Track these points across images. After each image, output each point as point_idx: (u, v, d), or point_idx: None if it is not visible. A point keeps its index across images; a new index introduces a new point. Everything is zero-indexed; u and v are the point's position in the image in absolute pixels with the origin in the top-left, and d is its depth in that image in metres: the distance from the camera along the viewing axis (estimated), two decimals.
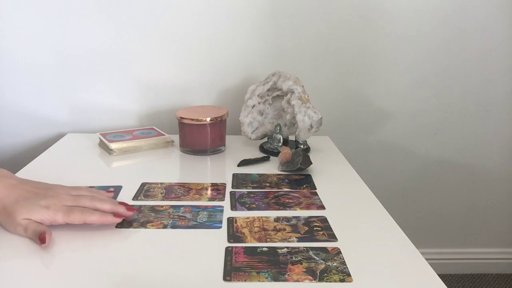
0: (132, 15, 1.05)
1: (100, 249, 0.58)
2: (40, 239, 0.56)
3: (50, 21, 1.04)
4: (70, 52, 1.06)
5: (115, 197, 0.73)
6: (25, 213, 0.58)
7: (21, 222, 0.57)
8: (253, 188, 0.78)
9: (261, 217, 0.67)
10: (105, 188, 0.75)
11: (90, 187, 0.76)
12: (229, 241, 0.60)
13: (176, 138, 0.99)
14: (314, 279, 0.52)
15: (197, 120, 0.90)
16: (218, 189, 0.77)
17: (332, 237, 0.61)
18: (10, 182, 0.61)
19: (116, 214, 0.61)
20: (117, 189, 0.75)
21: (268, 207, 0.70)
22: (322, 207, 0.71)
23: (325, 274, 0.53)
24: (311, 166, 0.85)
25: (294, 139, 0.99)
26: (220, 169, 0.88)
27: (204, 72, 1.10)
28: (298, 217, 0.67)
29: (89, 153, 0.95)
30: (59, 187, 0.64)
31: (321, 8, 1.07)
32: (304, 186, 0.79)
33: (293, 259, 0.56)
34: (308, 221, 0.66)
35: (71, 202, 0.61)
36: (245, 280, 0.51)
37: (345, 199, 0.74)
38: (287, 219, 0.66)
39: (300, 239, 0.61)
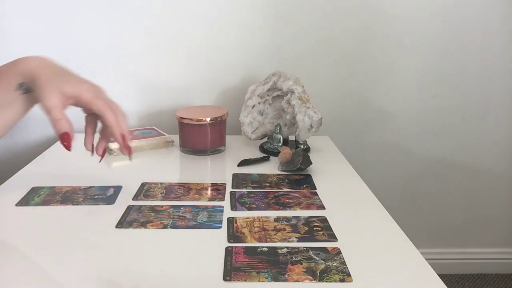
0: (132, 15, 1.05)
1: (100, 249, 0.58)
2: (63, 137, 0.55)
3: (50, 21, 1.04)
4: (70, 52, 1.06)
5: (114, 196, 0.73)
6: (62, 83, 0.57)
7: (56, 95, 0.56)
8: (253, 188, 0.78)
9: (261, 217, 0.67)
10: (105, 189, 0.75)
11: (90, 187, 0.76)
12: (229, 241, 0.60)
13: (176, 138, 0.99)
14: (314, 279, 0.52)
15: (197, 120, 0.90)
16: (218, 189, 0.77)
17: (332, 237, 0.61)
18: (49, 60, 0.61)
19: (124, 136, 0.60)
20: (117, 189, 0.75)
21: (268, 207, 0.70)
22: (322, 207, 0.71)
23: (325, 274, 0.53)
24: (311, 166, 0.85)
25: (294, 139, 0.99)
26: (220, 169, 0.88)
27: (204, 72, 1.10)
28: (298, 217, 0.67)
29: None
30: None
31: (321, 8, 1.07)
32: (304, 186, 0.79)
33: (293, 259, 0.56)
34: (308, 221, 0.66)
35: (102, 95, 0.61)
36: (245, 280, 0.51)
37: (345, 199, 0.74)
38: (287, 219, 0.66)
39: (300, 239, 0.61)
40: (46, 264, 0.54)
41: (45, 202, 0.70)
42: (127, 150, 0.62)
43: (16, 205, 0.69)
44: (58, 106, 0.56)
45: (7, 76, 0.58)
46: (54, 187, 0.76)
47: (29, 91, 0.59)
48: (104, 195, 0.73)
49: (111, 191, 0.74)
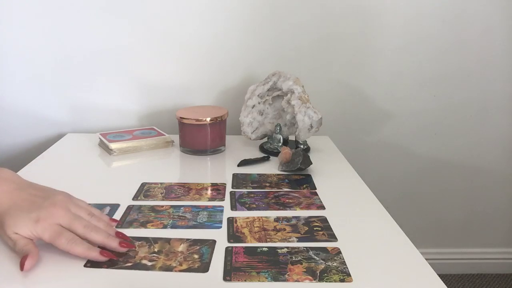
0: (132, 15, 1.04)
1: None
2: (20, 263, 0.51)
3: (50, 21, 1.04)
4: (70, 52, 1.06)
5: (111, 214, 0.67)
6: (13, 227, 0.53)
7: (10, 236, 0.53)
8: (253, 188, 0.78)
9: (261, 217, 0.67)
10: (101, 208, 0.68)
11: (91, 205, 0.67)
12: (229, 241, 0.60)
13: (176, 138, 0.99)
14: (314, 279, 0.52)
15: (197, 120, 0.90)
16: (218, 189, 0.77)
17: (332, 237, 0.61)
18: (8, 187, 0.57)
19: (102, 252, 0.54)
20: (114, 208, 0.69)
21: (268, 207, 0.70)
22: (322, 207, 0.71)
23: (325, 274, 0.53)
24: (311, 166, 0.85)
25: (294, 139, 0.99)
26: (220, 169, 0.88)
27: (204, 72, 1.10)
28: (298, 217, 0.67)
29: (89, 153, 0.95)
30: (60, 197, 0.57)
31: (321, 8, 1.07)
32: (304, 186, 0.79)
33: (293, 259, 0.56)
34: (308, 221, 0.66)
35: (64, 221, 0.55)
36: (245, 280, 0.51)
37: (345, 199, 0.74)
38: (287, 219, 0.66)
39: (300, 239, 0.61)
40: (46, 263, 0.54)
41: None
42: (123, 245, 0.56)
43: None
44: (17, 245, 0.53)
45: None
46: None
47: None
48: None
49: (107, 210, 0.68)
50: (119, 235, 0.58)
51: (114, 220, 0.63)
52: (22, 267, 0.51)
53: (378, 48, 1.12)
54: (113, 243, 0.56)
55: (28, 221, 0.53)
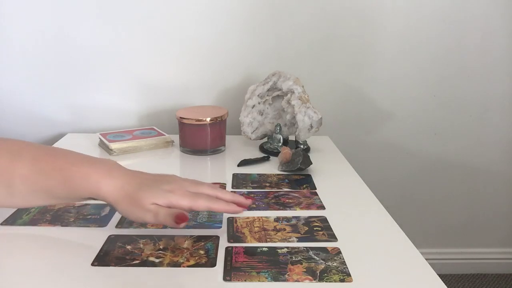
0: (132, 15, 1.05)
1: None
2: (178, 217, 0.52)
3: (50, 21, 1.04)
4: (70, 52, 1.06)
5: (110, 214, 0.67)
6: (152, 198, 0.53)
7: (150, 207, 0.53)
8: (253, 188, 0.78)
9: (261, 217, 0.67)
10: (101, 208, 0.69)
11: (85, 205, 0.70)
12: (229, 241, 0.60)
13: (176, 138, 0.99)
14: (314, 279, 0.52)
15: (197, 120, 0.90)
16: None
17: (332, 237, 0.61)
18: (126, 171, 0.58)
19: (238, 204, 0.58)
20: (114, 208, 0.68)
21: (268, 207, 0.70)
22: (322, 207, 0.71)
23: (325, 274, 0.53)
24: (311, 166, 0.85)
25: (294, 139, 0.99)
26: (220, 169, 0.88)
27: (204, 72, 1.10)
28: (298, 217, 0.67)
29: (89, 153, 0.93)
30: (176, 176, 0.60)
31: (322, 8, 1.07)
32: (304, 186, 0.79)
33: (293, 259, 0.56)
34: (308, 221, 0.66)
35: (193, 189, 0.57)
36: (245, 280, 0.51)
37: (345, 199, 0.74)
38: (287, 219, 0.66)
39: (300, 239, 0.61)
40: (46, 261, 0.54)
41: (32, 222, 0.64)
42: (248, 198, 0.62)
43: (2, 224, 0.64)
44: (160, 212, 0.54)
45: (79, 189, 0.55)
46: None
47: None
48: (98, 215, 0.67)
49: (107, 210, 0.68)
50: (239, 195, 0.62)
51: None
52: (182, 219, 0.53)
53: (378, 48, 1.12)
54: (241, 198, 0.60)
55: (162, 192, 0.54)
